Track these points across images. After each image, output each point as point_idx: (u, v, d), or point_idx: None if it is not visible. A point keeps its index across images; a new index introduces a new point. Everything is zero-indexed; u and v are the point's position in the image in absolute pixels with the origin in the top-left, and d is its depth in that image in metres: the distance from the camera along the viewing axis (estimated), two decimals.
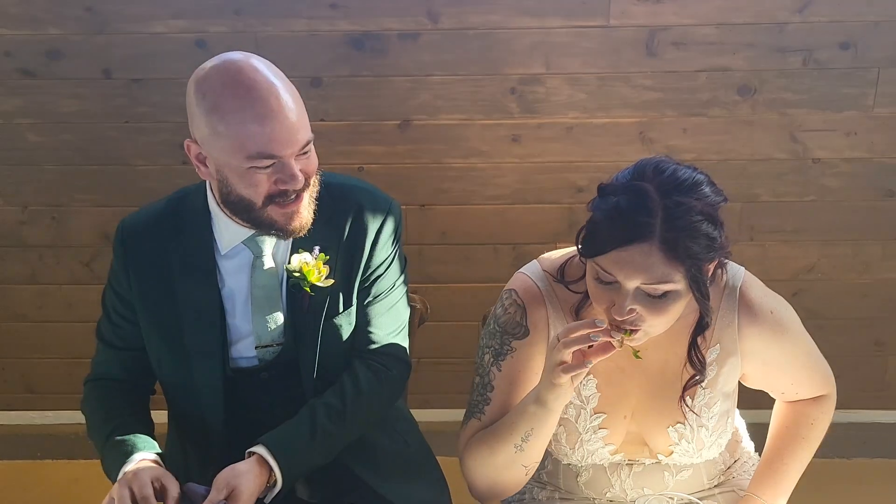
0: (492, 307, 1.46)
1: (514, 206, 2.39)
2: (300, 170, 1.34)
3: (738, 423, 1.58)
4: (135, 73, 2.29)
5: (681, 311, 1.23)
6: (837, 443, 2.56)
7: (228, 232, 1.44)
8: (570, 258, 1.36)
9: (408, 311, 1.59)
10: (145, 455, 1.38)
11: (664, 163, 1.20)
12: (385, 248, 1.49)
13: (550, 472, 1.45)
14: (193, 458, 1.54)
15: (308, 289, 1.41)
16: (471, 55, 2.25)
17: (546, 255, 1.43)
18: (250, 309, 1.45)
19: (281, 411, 1.45)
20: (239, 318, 1.46)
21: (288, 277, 1.44)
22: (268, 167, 1.32)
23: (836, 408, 2.57)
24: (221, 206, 1.42)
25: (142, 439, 1.41)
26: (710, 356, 1.34)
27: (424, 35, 2.24)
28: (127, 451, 1.37)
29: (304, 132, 1.34)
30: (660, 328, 1.23)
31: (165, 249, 1.45)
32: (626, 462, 1.37)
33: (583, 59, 2.24)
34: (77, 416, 2.62)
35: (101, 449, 1.45)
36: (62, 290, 2.53)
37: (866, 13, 2.19)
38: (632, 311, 1.18)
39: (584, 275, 1.28)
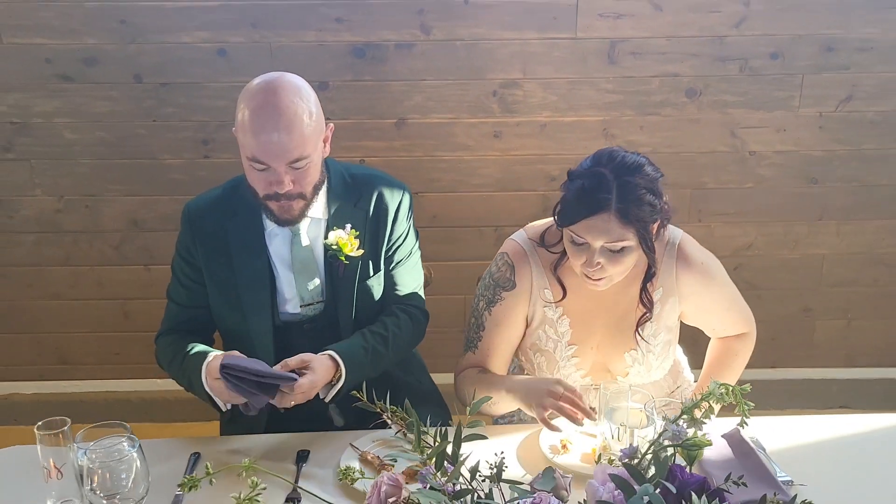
0: (480, 276, 1.82)
1: (496, 193, 2.71)
2: (291, 180, 1.60)
3: (681, 357, 1.94)
4: (162, 78, 2.57)
5: (634, 262, 1.58)
6: (774, 396, 2.95)
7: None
8: (549, 227, 1.70)
9: (422, 272, 1.92)
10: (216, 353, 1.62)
11: (616, 151, 1.55)
12: (402, 223, 1.82)
13: None
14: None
15: (343, 258, 1.72)
16: (458, 63, 2.57)
17: (530, 224, 1.78)
18: (293, 276, 1.76)
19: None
20: (285, 283, 1.76)
21: (326, 250, 1.74)
22: (261, 169, 1.60)
23: (772, 366, 2.97)
24: None
25: (210, 349, 1.68)
26: (656, 297, 1.69)
27: (418, 45, 2.55)
28: (202, 355, 1.62)
29: (297, 151, 1.57)
30: (619, 276, 1.59)
31: (224, 227, 1.74)
32: (594, 386, 1.72)
33: (554, 66, 2.58)
34: (106, 385, 2.95)
35: (181, 370, 1.69)
36: (94, 271, 2.80)
37: (792, 28, 2.56)
38: (598, 264, 1.54)
39: (560, 239, 1.64)
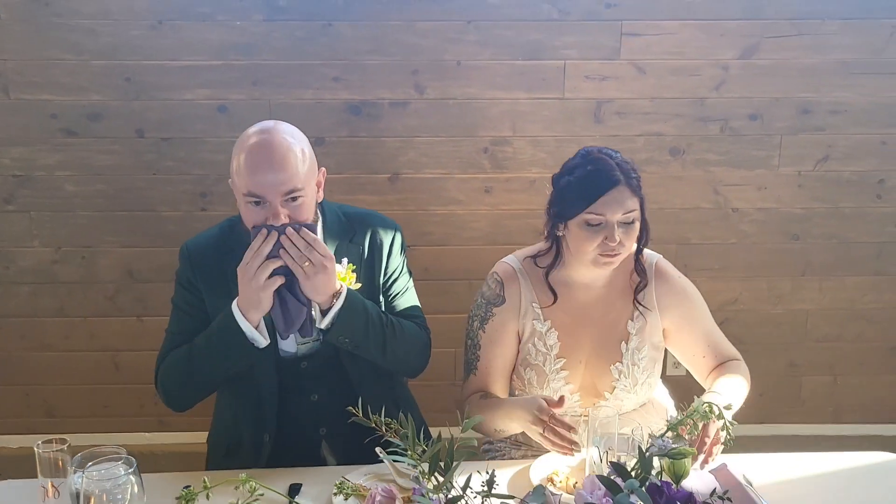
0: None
1: (487, 246, 2.77)
2: (287, 214, 1.64)
3: (668, 401, 1.97)
4: (164, 133, 2.66)
5: (637, 235, 1.70)
6: (762, 452, 2.95)
7: None
8: (536, 250, 1.82)
9: (420, 310, 1.94)
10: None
11: (599, 146, 1.74)
12: (397, 257, 1.87)
13: (524, 433, 1.80)
14: (246, 432, 1.82)
15: None
16: (451, 120, 2.67)
17: (519, 250, 1.88)
18: None
19: (322, 396, 1.79)
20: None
21: None
22: (257, 203, 1.64)
23: (760, 422, 2.98)
24: None
25: None
26: (636, 313, 1.78)
27: (412, 104, 2.66)
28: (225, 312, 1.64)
29: (291, 183, 1.62)
30: (628, 251, 1.70)
31: (222, 263, 1.77)
32: (584, 419, 1.75)
33: (543, 124, 2.69)
34: (94, 438, 2.92)
35: (208, 337, 1.69)
36: (87, 322, 2.82)
37: (769, 91, 2.69)
38: (618, 239, 1.63)
39: (549, 250, 1.75)
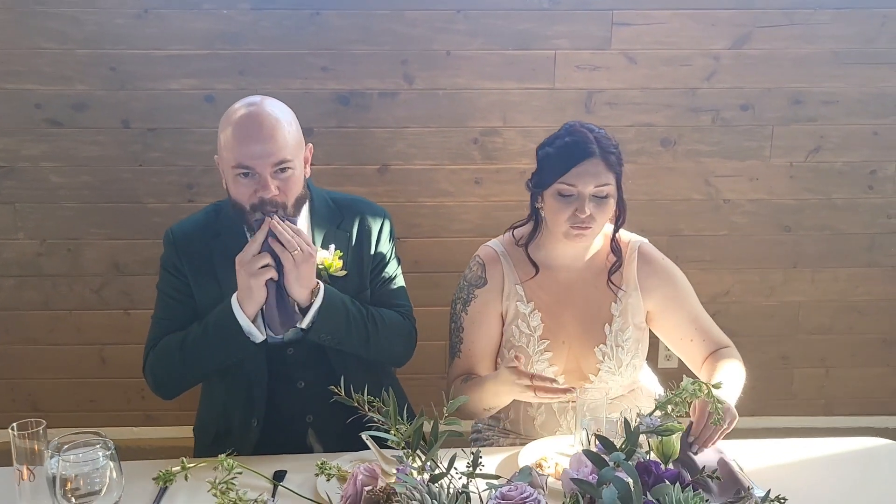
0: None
1: (477, 238, 2.68)
2: (276, 186, 1.63)
3: (654, 383, 1.95)
4: (150, 124, 2.63)
5: (611, 212, 1.71)
6: None
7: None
8: (514, 228, 1.84)
9: (408, 297, 1.92)
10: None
11: (583, 122, 1.76)
12: (385, 244, 1.84)
13: (513, 420, 1.80)
14: (236, 416, 1.79)
15: (327, 277, 1.72)
16: (440, 111, 2.65)
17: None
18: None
19: (309, 384, 1.76)
20: (269, 305, 1.72)
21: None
22: (246, 176, 1.62)
23: (752, 415, 2.96)
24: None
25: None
26: (619, 295, 1.77)
27: (401, 94, 2.64)
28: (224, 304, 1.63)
29: (281, 154, 1.62)
30: (599, 228, 1.71)
31: (209, 247, 1.76)
32: (571, 405, 1.73)
33: (533, 115, 2.67)
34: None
35: (204, 328, 1.67)
36: (72, 316, 2.79)
37: (761, 81, 2.68)
38: (588, 212, 1.64)
39: (527, 223, 1.78)
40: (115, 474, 1.21)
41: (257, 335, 1.65)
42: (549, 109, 2.66)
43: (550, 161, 1.69)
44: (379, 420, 1.03)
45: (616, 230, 1.79)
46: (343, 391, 1.08)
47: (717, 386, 1.15)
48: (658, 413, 1.07)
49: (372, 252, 1.82)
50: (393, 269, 1.87)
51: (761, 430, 2.94)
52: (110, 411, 2.89)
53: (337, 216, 1.81)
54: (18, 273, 2.74)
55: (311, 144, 1.79)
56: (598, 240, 1.80)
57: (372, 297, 1.83)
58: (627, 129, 2.70)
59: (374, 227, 1.83)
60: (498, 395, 1.65)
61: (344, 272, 1.74)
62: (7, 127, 2.62)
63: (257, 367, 1.75)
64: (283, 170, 1.64)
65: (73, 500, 1.17)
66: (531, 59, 2.62)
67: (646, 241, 1.87)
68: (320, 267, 1.72)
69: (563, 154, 1.68)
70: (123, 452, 2.99)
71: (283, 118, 1.66)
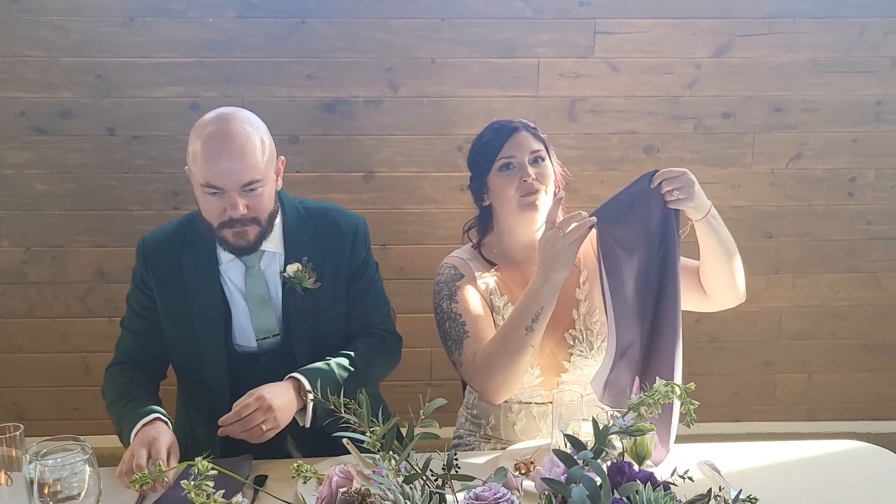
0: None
1: (462, 245, 2.76)
2: (245, 204, 1.63)
3: None
4: (135, 131, 2.64)
5: (553, 176, 1.80)
6: None
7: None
8: (468, 229, 1.92)
9: (387, 300, 1.94)
10: (158, 416, 1.58)
11: None
12: (360, 250, 1.84)
13: (494, 426, 1.81)
14: (201, 429, 1.81)
15: (301, 290, 1.74)
16: (425, 118, 2.67)
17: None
18: (248, 309, 1.77)
19: None
20: (241, 315, 1.77)
21: (284, 282, 1.76)
22: (214, 194, 1.62)
23: (735, 420, 2.98)
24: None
25: (155, 407, 1.64)
26: (582, 279, 1.81)
27: (386, 101, 2.65)
28: (143, 413, 1.60)
29: (249, 174, 1.60)
30: (548, 188, 1.78)
31: (179, 258, 1.76)
32: (551, 408, 1.73)
33: None
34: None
35: (119, 416, 1.67)
36: (57, 324, 2.78)
37: (741, 90, 2.71)
38: (531, 175, 1.74)
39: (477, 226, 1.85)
40: (93, 479, 1.21)
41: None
42: (532, 117, 2.66)
43: (483, 148, 1.81)
44: (353, 422, 1.03)
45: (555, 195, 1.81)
46: (319, 393, 1.09)
47: (690, 388, 1.16)
48: (631, 414, 1.08)
49: (347, 258, 1.81)
50: (370, 276, 1.87)
51: (744, 436, 2.95)
52: (95, 419, 2.86)
53: (309, 226, 1.80)
54: (2, 281, 2.73)
55: (283, 157, 1.78)
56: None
57: (350, 308, 1.83)
58: (611, 137, 2.72)
59: (348, 232, 1.82)
60: (547, 280, 1.62)
61: (318, 284, 1.75)
62: None
63: (219, 379, 1.76)
64: (252, 189, 1.63)
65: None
66: (515, 67, 2.65)
67: (595, 219, 1.88)
68: (293, 279, 1.73)
69: (492, 137, 1.81)
70: (109, 461, 2.99)
71: (254, 134, 1.64)
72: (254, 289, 1.77)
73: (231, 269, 1.77)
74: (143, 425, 1.58)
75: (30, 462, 1.21)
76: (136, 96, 2.61)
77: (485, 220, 1.87)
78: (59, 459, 1.20)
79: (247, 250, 1.71)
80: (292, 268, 1.75)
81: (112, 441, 2.85)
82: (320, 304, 1.78)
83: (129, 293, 1.85)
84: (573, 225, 1.61)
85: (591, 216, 1.62)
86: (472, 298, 1.77)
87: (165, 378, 1.89)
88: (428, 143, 2.69)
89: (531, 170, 1.75)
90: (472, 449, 1.81)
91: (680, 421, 1.26)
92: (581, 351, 1.76)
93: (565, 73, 2.66)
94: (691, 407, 1.14)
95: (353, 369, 1.72)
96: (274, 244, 1.76)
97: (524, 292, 1.68)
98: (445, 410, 1.99)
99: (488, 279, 1.81)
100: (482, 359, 1.68)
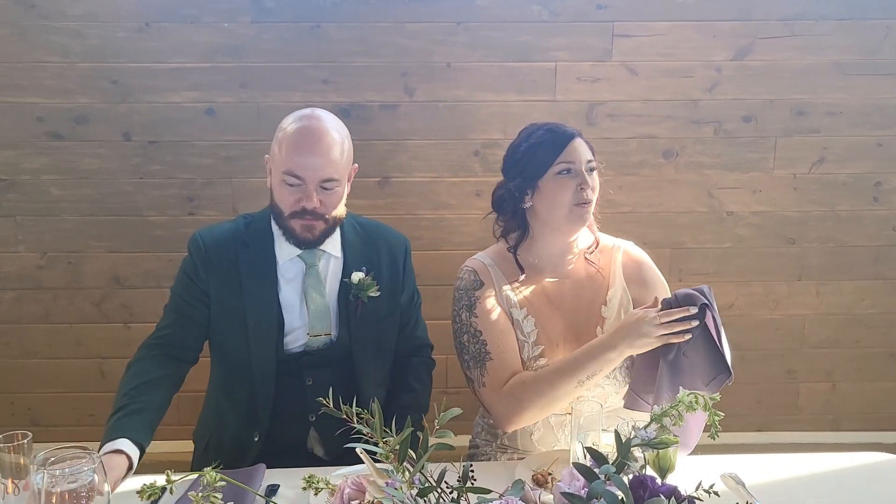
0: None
1: (478, 251, 2.71)
2: (319, 199, 1.71)
3: None
4: (151, 136, 2.63)
5: (598, 188, 1.76)
6: None
7: (287, 247, 1.79)
8: (506, 235, 1.83)
9: (424, 324, 2.05)
10: (123, 445, 1.54)
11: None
12: (410, 271, 1.94)
13: (510, 436, 1.78)
14: (232, 424, 1.81)
15: (365, 299, 1.80)
16: (441, 123, 2.64)
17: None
18: (304, 307, 1.79)
19: (317, 381, 1.78)
20: (293, 314, 1.79)
21: (347, 288, 1.80)
22: (293, 185, 1.69)
23: (758, 430, 2.93)
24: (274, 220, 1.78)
25: (136, 430, 1.60)
26: (609, 296, 1.77)
27: (402, 106, 2.63)
28: (112, 437, 1.57)
29: (329, 170, 1.70)
30: (593, 205, 1.75)
31: (236, 257, 1.78)
32: (568, 418, 1.69)
33: None
34: None
35: (110, 416, 1.66)
36: (72, 329, 2.78)
37: (763, 93, 2.66)
38: (588, 183, 1.71)
39: (514, 231, 1.78)
40: (101, 488, 1.19)
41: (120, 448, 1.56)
42: (550, 121, 2.64)
43: (538, 150, 1.73)
44: (367, 433, 1.00)
45: (589, 252, 1.82)
46: (332, 402, 1.06)
47: (715, 399, 1.12)
48: (653, 426, 1.05)
49: (400, 276, 1.89)
50: (417, 300, 1.97)
51: (767, 446, 2.90)
52: None
53: (364, 239, 1.88)
54: (18, 286, 2.73)
55: (356, 165, 1.85)
56: (582, 241, 1.81)
57: (400, 330, 1.92)
58: (629, 141, 2.68)
59: (399, 252, 1.91)
60: (619, 352, 1.60)
61: (378, 293, 1.81)
62: (9, 140, 2.62)
63: (264, 379, 1.77)
64: (328, 186, 1.71)
65: None
66: (532, 70, 2.62)
67: (631, 244, 1.89)
68: (357, 287, 1.79)
69: (550, 138, 1.74)
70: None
71: (340, 135, 1.75)
72: (312, 287, 1.80)
73: (290, 268, 1.81)
74: (106, 452, 1.54)
75: (37, 471, 1.20)
76: (151, 101, 2.60)
77: (522, 224, 1.80)
78: (67, 470, 1.17)
79: (311, 244, 1.77)
80: (357, 276, 1.81)
81: None
82: (380, 312, 1.84)
83: (174, 285, 1.86)
84: (673, 321, 1.56)
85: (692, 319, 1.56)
86: (493, 313, 1.73)
87: (196, 364, 1.87)
88: (443, 148, 2.67)
89: (588, 178, 1.72)
90: (489, 459, 1.78)
91: (704, 430, 1.22)
92: (606, 375, 1.72)
93: (583, 77, 2.63)
94: (716, 418, 1.10)
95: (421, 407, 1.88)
96: (334, 248, 1.83)
97: (589, 345, 1.65)
98: (461, 419, 1.97)
99: (508, 290, 1.77)
100: (518, 390, 1.66)
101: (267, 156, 1.80)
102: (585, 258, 1.81)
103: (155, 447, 2.83)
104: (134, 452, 1.55)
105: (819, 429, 2.95)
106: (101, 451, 1.54)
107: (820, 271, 2.81)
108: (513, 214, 1.79)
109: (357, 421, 1.01)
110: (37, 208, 2.67)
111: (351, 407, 1.05)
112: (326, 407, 1.05)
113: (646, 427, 1.04)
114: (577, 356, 1.64)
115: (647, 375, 1.63)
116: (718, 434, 1.09)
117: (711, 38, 2.61)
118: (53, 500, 1.15)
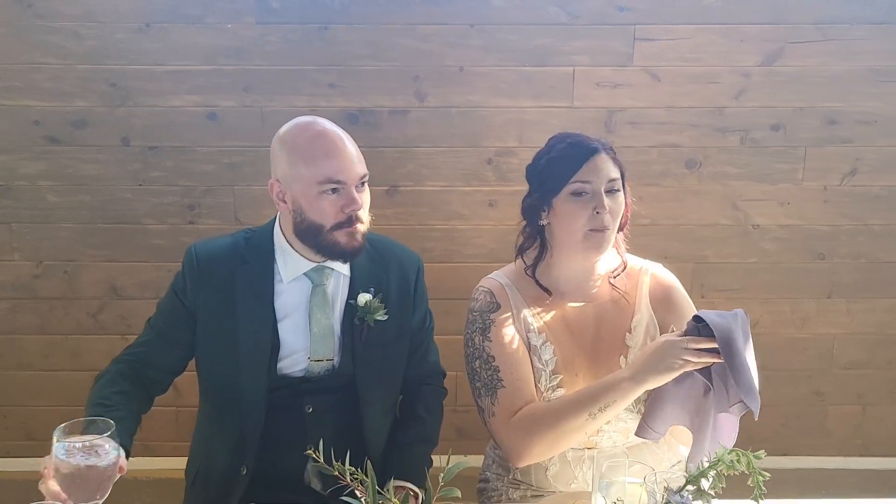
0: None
1: (490, 263, 2.57)
2: (360, 199, 1.62)
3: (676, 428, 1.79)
4: (151, 142, 2.53)
5: (622, 211, 1.62)
6: (786, 486, 2.77)
7: (293, 264, 1.68)
8: (522, 253, 1.71)
9: (436, 348, 1.93)
10: None
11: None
12: (422, 293, 1.81)
13: (524, 471, 1.65)
14: (222, 458, 1.69)
15: (372, 322, 1.68)
16: (453, 130, 2.53)
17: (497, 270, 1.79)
18: (307, 328, 1.67)
19: (317, 409, 1.67)
20: (293, 335, 1.67)
21: (353, 310, 1.68)
22: (334, 192, 1.59)
23: (784, 454, 2.80)
24: (292, 239, 1.67)
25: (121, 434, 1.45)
26: (634, 323, 1.65)
27: (412, 112, 2.52)
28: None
29: (361, 167, 1.63)
30: (615, 224, 1.61)
31: (232, 274, 1.67)
32: (587, 454, 1.58)
33: (551, 134, 2.41)
34: None
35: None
36: (69, 340, 2.68)
37: (793, 100, 2.53)
38: (605, 207, 1.57)
39: (532, 248, 1.67)
40: (115, 455, 1.27)
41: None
42: (567, 128, 2.46)
43: (556, 164, 1.62)
44: (361, 491, 0.89)
45: (619, 230, 1.68)
46: (322, 455, 0.95)
47: (759, 457, 1.00)
48: (690, 488, 0.93)
49: (411, 299, 1.77)
50: (429, 321, 1.85)
51: (793, 471, 2.77)
52: None
53: (374, 257, 1.75)
54: (13, 295, 2.64)
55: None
56: (607, 262, 1.68)
57: (410, 354, 1.80)
58: (650, 150, 2.56)
59: (412, 272, 1.79)
60: (640, 383, 1.48)
61: (386, 317, 1.68)
62: (4, 144, 2.53)
63: (254, 407, 1.65)
64: (363, 184, 1.64)
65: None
66: (549, 75, 2.49)
67: (660, 266, 1.76)
68: (364, 309, 1.67)
69: (569, 153, 1.61)
70: (118, 485, 2.88)
71: (346, 134, 1.68)
72: (318, 307, 1.68)
73: (294, 288, 1.69)
74: None
75: (57, 441, 1.25)
76: (151, 105, 2.50)
77: (541, 242, 1.68)
78: (86, 441, 1.25)
79: (355, 254, 1.66)
80: (363, 297, 1.69)
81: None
82: (387, 337, 1.71)
83: (162, 300, 1.76)
84: (701, 351, 1.44)
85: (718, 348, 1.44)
86: (508, 338, 1.61)
87: (164, 393, 1.76)
88: (455, 156, 2.55)
89: (606, 201, 1.58)
90: (500, 496, 1.65)
91: (750, 485, 1.08)
92: (627, 407, 1.60)
93: (602, 83, 2.50)
94: (760, 479, 0.97)
95: (431, 440, 1.79)
96: (343, 266, 1.71)
97: (608, 379, 1.52)
98: (471, 437, 1.87)
99: (526, 314, 1.65)
100: (528, 422, 1.54)
101: (274, 181, 1.65)
102: (610, 282, 1.68)
103: (152, 463, 2.77)
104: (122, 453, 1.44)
105: (848, 454, 2.81)
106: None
107: (851, 289, 2.67)
108: (532, 230, 1.68)
109: (351, 479, 0.90)
110: (32, 215, 2.58)
111: (346, 459, 0.92)
112: (318, 463, 0.93)
113: (680, 490, 0.92)
114: (590, 386, 1.53)
115: (657, 402, 1.52)
116: (762, 497, 0.97)
117: (739, 43, 2.48)
118: (70, 471, 1.21)
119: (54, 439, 1.26)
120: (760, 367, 2.71)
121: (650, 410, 1.53)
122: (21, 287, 2.63)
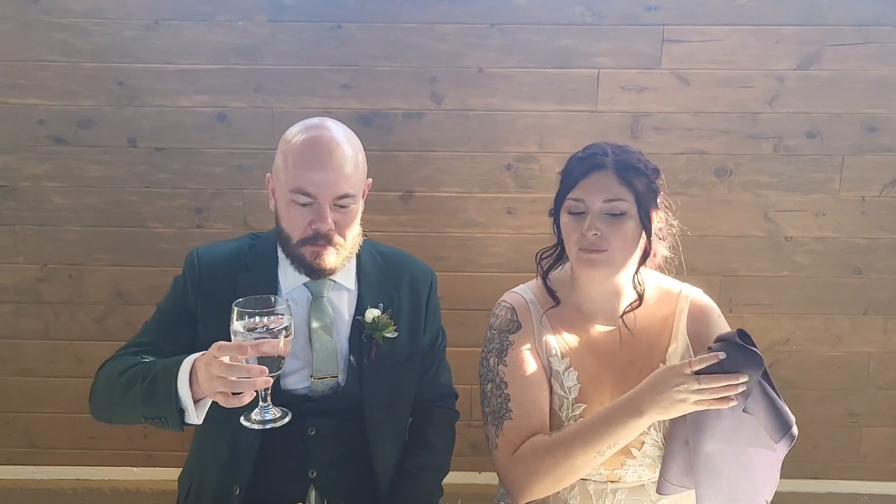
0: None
1: (509, 273, 2.51)
2: (333, 219, 1.52)
3: None
4: (158, 143, 2.45)
5: (633, 237, 1.49)
6: None
7: (292, 273, 1.59)
8: (541, 258, 1.65)
9: (449, 367, 1.86)
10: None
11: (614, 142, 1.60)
12: (435, 310, 1.72)
13: (541, 502, 1.54)
14: (212, 475, 1.60)
15: (381, 339, 1.59)
16: (470, 134, 2.43)
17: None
18: (308, 344, 1.59)
19: (320, 431, 1.58)
20: (293, 349, 1.56)
21: (361, 327, 1.60)
22: (303, 204, 1.50)
23: (815, 478, 2.68)
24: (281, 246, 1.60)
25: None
26: (670, 355, 1.55)
27: (428, 115, 2.42)
28: (180, 360, 1.39)
29: (344, 186, 1.52)
30: (619, 251, 1.50)
31: (234, 280, 1.59)
32: (610, 487, 1.47)
33: (573, 139, 2.41)
34: (75, 472, 2.70)
35: (137, 381, 1.44)
36: (73, 346, 2.61)
37: (830, 106, 2.40)
38: (596, 228, 1.47)
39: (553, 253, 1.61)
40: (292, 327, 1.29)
41: (191, 416, 1.39)
42: (590, 134, 2.41)
43: (564, 177, 1.57)
44: None
45: (640, 264, 1.57)
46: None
47: None
48: None
49: (423, 316, 1.68)
50: (441, 339, 1.76)
51: (825, 496, 2.64)
52: (110, 449, 2.70)
53: (384, 271, 1.67)
54: (17, 299, 2.57)
55: (370, 180, 1.67)
56: (646, 280, 1.58)
57: (421, 372, 1.72)
58: (677, 157, 2.43)
59: (424, 287, 1.71)
60: (648, 418, 1.37)
61: (395, 334, 1.60)
62: (8, 144, 2.46)
63: (249, 429, 1.54)
64: (343, 204, 1.52)
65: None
66: (572, 78, 2.38)
67: (700, 291, 1.64)
68: (372, 326, 1.58)
69: (574, 168, 1.55)
70: (123, 496, 2.81)
71: (352, 147, 1.56)
72: (318, 320, 1.60)
73: (293, 299, 1.60)
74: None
75: (238, 318, 1.29)
76: (159, 105, 2.42)
77: (560, 248, 1.63)
78: (267, 318, 1.28)
79: (320, 273, 1.56)
80: (371, 314, 1.61)
81: (127, 474, 2.70)
82: (397, 356, 1.63)
83: (161, 302, 1.68)
84: (718, 388, 1.32)
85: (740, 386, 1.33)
86: (524, 363, 1.51)
87: None
88: (473, 161, 2.44)
89: (600, 224, 1.48)
90: None
91: None
92: (655, 440, 1.49)
93: (628, 86, 2.39)
94: None
95: (442, 469, 1.71)
96: (347, 279, 1.63)
97: (609, 411, 1.41)
98: (486, 454, 1.75)
99: (549, 337, 1.55)
100: (529, 457, 1.44)
101: (268, 174, 1.61)
102: (621, 318, 1.57)
103: (157, 474, 2.69)
104: None
105: (883, 478, 2.67)
106: (181, 373, 1.37)
107: (889, 305, 2.53)
108: (557, 238, 1.62)
109: None
110: (37, 217, 2.51)
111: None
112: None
113: None
114: (597, 421, 1.41)
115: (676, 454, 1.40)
116: None
117: (774, 45, 2.35)
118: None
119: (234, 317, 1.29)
120: (791, 387, 2.60)
121: (665, 459, 1.43)
122: (25, 291, 2.57)
